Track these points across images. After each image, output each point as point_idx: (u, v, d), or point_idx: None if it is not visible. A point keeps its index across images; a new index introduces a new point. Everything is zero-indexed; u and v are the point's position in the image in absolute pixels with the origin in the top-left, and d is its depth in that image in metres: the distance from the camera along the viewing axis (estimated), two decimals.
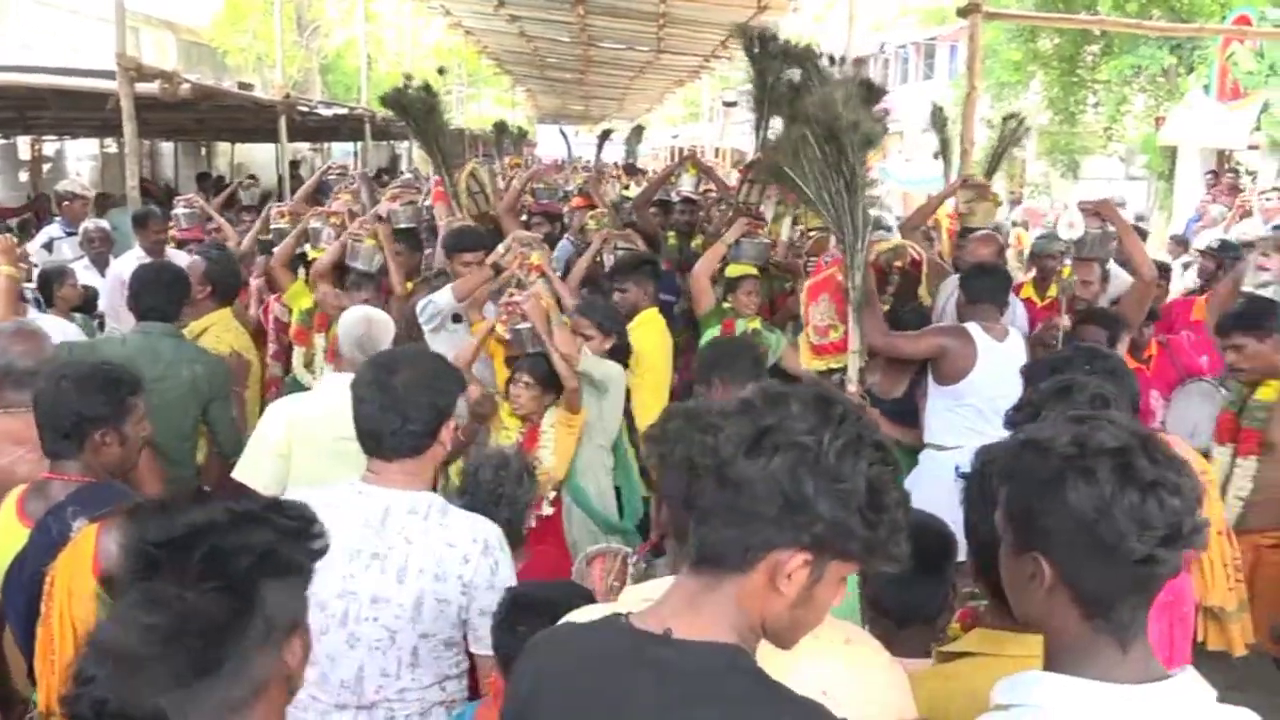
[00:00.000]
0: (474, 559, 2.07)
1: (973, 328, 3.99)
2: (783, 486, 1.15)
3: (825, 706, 1.19)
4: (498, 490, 2.76)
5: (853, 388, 3.96)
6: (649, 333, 4.55)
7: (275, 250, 5.40)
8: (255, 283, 5.61)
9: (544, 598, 2.07)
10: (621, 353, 4.24)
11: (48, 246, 6.97)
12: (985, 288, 4.11)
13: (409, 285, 5.24)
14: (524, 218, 6.89)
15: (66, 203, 7.54)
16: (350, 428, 2.85)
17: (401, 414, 2.07)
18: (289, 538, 1.24)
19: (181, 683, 1.11)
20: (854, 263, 3.91)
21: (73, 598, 2.28)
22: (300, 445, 3.12)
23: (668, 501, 1.66)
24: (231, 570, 1.17)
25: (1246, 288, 4.50)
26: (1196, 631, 2.75)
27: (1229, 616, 2.87)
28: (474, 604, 2.07)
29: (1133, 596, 1.26)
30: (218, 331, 4.30)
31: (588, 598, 2.18)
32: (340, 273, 4.99)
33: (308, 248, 5.43)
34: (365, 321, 3.49)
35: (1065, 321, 4.57)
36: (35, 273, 5.61)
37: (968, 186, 5.62)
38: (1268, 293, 3.52)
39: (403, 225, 5.77)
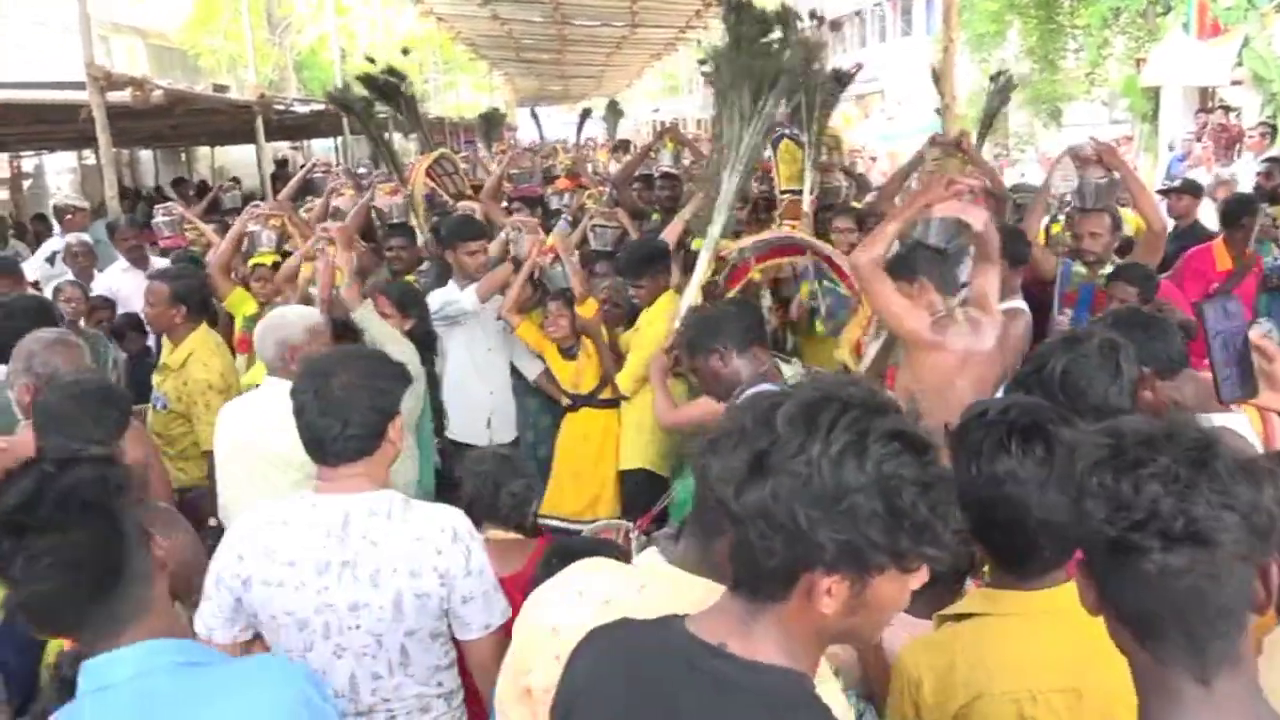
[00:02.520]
0: (446, 549, 2.04)
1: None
2: (779, 520, 1.07)
3: None
4: (503, 471, 2.85)
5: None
6: (659, 318, 4.41)
7: (211, 256, 5.18)
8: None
9: (579, 549, 2.22)
10: (425, 339, 4.11)
11: (49, 260, 6.93)
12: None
13: (410, 280, 5.21)
14: (504, 204, 6.88)
15: (69, 216, 7.54)
16: (277, 446, 2.83)
17: (341, 419, 2.00)
18: (101, 464, 1.45)
19: (91, 603, 1.41)
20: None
21: None
22: (232, 454, 3.07)
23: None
24: (89, 505, 1.40)
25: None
26: None
27: None
28: (454, 593, 2.05)
29: (1173, 615, 1.07)
30: (203, 358, 4.05)
31: (617, 553, 2.24)
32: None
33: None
34: (261, 324, 3.30)
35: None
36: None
37: (935, 145, 5.60)
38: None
39: (396, 220, 5.75)
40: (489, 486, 2.87)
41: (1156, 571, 1.06)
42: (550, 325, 4.58)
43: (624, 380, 4.42)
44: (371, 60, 7.18)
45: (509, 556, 2.83)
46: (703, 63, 5.84)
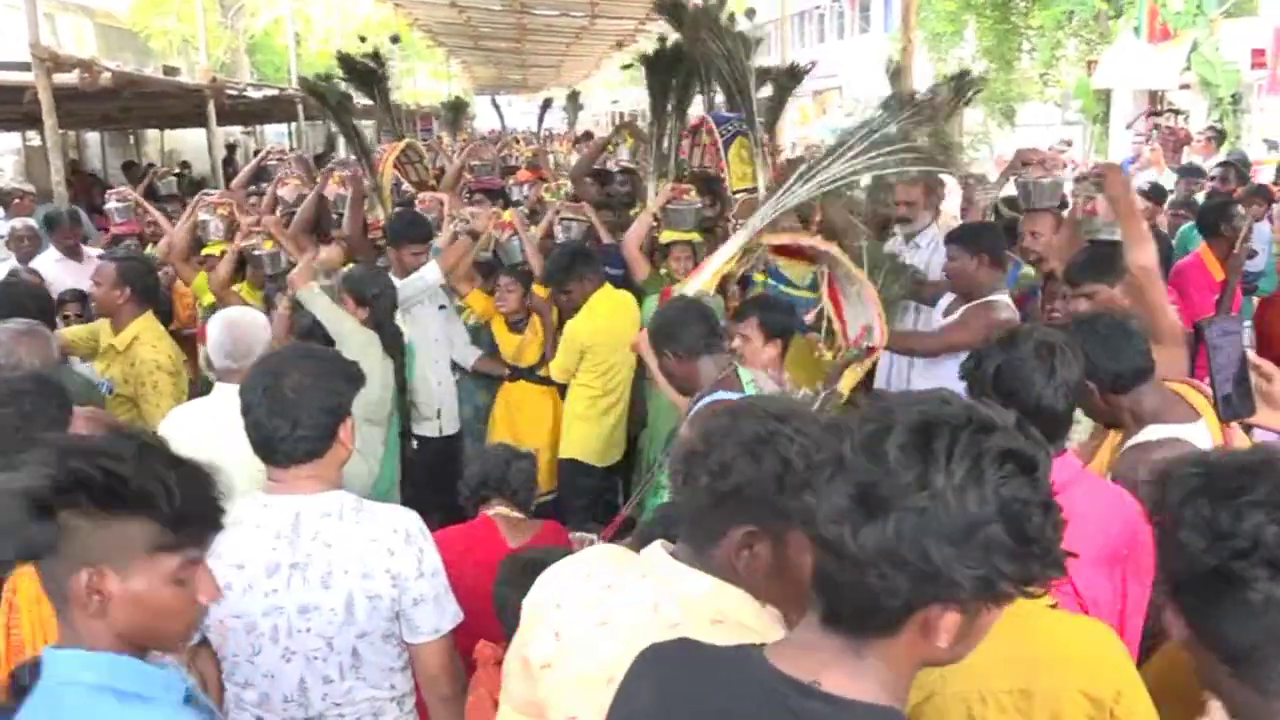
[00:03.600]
0: (398, 550, 2.02)
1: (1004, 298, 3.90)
2: (907, 560, 1.00)
3: None
4: (511, 476, 3.00)
5: None
6: (592, 315, 4.49)
7: (172, 244, 5.20)
8: None
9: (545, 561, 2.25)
10: (390, 332, 4.08)
11: None
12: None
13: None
14: (466, 195, 6.84)
15: (17, 201, 7.35)
16: (237, 451, 2.79)
17: (291, 419, 1.98)
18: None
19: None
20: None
21: (42, 604, 2.23)
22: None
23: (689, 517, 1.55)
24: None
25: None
26: None
27: None
28: (405, 595, 2.02)
29: (1277, 646, 1.07)
30: (151, 340, 3.97)
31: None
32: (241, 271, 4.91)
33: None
34: (227, 329, 3.15)
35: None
36: None
37: None
38: (1105, 235, 3.51)
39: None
40: (499, 464, 3.00)
41: (1263, 601, 1.04)
42: (499, 299, 4.72)
43: (555, 369, 4.56)
44: (363, 39, 7.07)
45: (516, 532, 2.96)
46: (627, 67, 6.03)
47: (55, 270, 5.74)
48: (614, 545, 1.71)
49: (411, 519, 2.10)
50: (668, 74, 5.96)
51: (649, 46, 7.01)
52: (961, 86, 6.48)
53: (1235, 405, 2.02)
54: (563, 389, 4.81)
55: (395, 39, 12.29)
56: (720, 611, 1.44)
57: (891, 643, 1.07)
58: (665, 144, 6.01)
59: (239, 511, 2.02)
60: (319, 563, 1.97)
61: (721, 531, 1.46)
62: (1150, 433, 2.38)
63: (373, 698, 2.07)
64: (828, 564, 1.06)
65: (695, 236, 5.09)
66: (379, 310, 4.02)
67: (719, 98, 6.31)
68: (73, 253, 5.90)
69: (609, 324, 4.51)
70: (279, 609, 1.97)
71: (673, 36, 6.17)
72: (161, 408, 3.82)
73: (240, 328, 3.14)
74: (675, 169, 5.96)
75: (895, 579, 1.01)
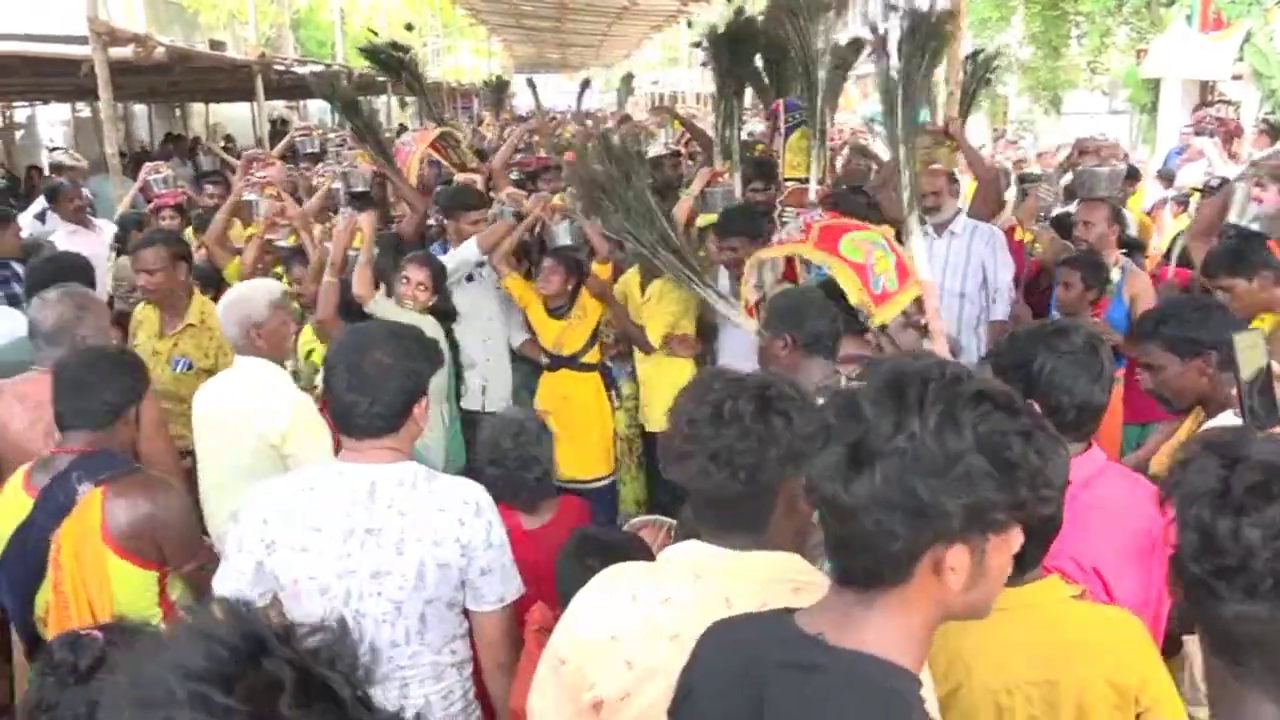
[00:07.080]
0: (468, 521, 2.09)
1: None
2: (897, 501, 1.06)
3: None
4: (524, 454, 2.88)
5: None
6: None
7: (210, 226, 5.13)
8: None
9: (609, 539, 2.43)
10: (445, 313, 4.23)
11: (40, 217, 6.84)
12: None
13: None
14: (521, 175, 6.90)
15: (67, 172, 7.50)
16: (258, 427, 2.85)
17: (368, 395, 2.06)
18: None
19: None
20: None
21: (82, 563, 2.33)
22: (212, 436, 2.99)
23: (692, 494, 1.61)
24: None
25: (1235, 219, 4.12)
26: None
27: None
28: (473, 564, 2.10)
29: (1254, 646, 1.09)
30: (214, 310, 3.90)
31: (644, 547, 2.40)
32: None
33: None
34: (235, 304, 3.11)
35: None
36: None
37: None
38: (1257, 226, 3.45)
39: (359, 190, 5.76)
40: (509, 480, 2.87)
41: (1233, 617, 1.08)
42: (542, 282, 4.63)
43: (655, 338, 4.54)
44: (374, 32, 7.15)
45: (532, 513, 2.93)
46: (697, 44, 5.86)
47: (70, 243, 5.57)
48: (628, 563, 1.69)
49: (480, 492, 2.18)
50: (738, 50, 5.84)
51: (691, 28, 6.95)
52: (981, 66, 6.39)
53: (1261, 415, 2.00)
54: (602, 372, 4.83)
55: (409, 27, 12.44)
56: (795, 579, 1.50)
57: (905, 590, 1.12)
58: (729, 125, 5.89)
59: (315, 478, 2.11)
60: (393, 529, 2.04)
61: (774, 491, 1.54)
62: (1225, 418, 2.40)
63: (435, 662, 2.15)
64: (831, 524, 1.13)
65: None
66: (443, 298, 4.18)
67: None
68: (84, 222, 5.99)
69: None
70: (351, 573, 2.04)
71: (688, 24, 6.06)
72: None
73: (229, 302, 3.16)
74: (724, 152, 5.93)
75: (890, 522, 1.07)
